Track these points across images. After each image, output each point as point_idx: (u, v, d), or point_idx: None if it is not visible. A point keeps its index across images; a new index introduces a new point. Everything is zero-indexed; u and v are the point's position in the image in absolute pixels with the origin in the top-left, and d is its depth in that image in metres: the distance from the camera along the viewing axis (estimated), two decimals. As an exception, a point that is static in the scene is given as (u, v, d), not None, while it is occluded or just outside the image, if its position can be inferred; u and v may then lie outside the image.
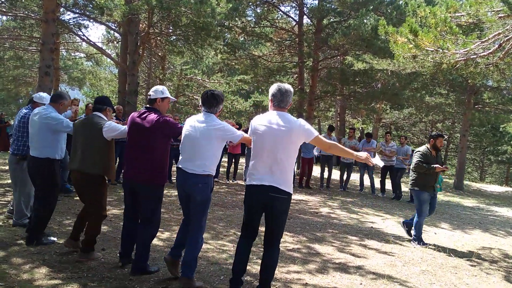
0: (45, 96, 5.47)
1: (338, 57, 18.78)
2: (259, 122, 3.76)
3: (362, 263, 5.45)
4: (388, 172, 12.29)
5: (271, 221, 3.72)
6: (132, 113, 4.29)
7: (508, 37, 5.97)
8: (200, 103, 4.10)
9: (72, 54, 25.25)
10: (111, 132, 4.32)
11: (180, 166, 3.97)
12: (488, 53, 6.28)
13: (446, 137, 34.88)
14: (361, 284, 4.64)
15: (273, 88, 3.83)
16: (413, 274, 5.21)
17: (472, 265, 5.92)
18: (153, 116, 4.05)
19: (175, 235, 4.30)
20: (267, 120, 3.72)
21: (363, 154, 3.85)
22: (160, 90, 4.25)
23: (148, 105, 4.24)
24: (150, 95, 4.26)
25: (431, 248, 6.66)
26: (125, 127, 4.34)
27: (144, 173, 4.03)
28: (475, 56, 6.47)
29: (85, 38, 13.91)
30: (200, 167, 3.86)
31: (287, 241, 6.18)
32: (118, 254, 4.41)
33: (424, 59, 7.00)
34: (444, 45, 6.28)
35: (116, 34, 19.92)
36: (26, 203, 5.53)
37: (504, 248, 7.27)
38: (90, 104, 9.38)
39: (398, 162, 12.07)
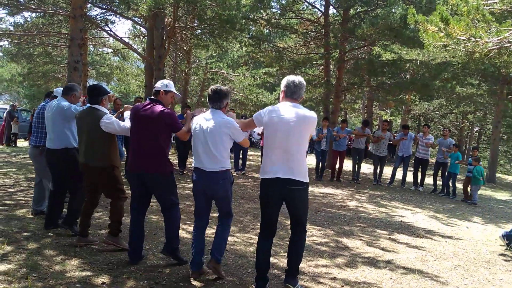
0: (60, 90, 5.61)
1: (366, 47, 18.45)
2: (271, 114, 3.70)
3: (392, 257, 5.34)
4: (421, 166, 11.97)
5: (294, 211, 3.77)
6: (135, 105, 4.35)
7: (545, 24, 5.71)
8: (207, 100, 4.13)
9: (100, 49, 25.62)
10: (112, 129, 4.42)
11: (197, 166, 3.97)
12: (523, 40, 6.03)
13: (477, 128, 33.96)
14: (391, 278, 4.54)
15: (286, 80, 3.80)
16: (444, 269, 5.07)
17: (506, 260, 5.74)
18: (158, 107, 4.10)
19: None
20: (280, 111, 3.67)
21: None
22: (165, 84, 4.30)
23: (152, 97, 4.28)
24: (155, 87, 4.32)
25: (463, 242, 6.49)
26: (125, 125, 4.42)
27: (155, 163, 4.08)
28: (509, 45, 6.22)
29: (112, 33, 14.10)
30: (217, 163, 3.87)
31: (315, 234, 6.12)
32: (127, 252, 4.41)
33: (456, 48, 6.78)
34: (477, 34, 6.06)
35: (142, 29, 20.10)
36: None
37: (540, 243, 7.01)
38: (118, 99, 9.50)
39: (441, 156, 11.61)
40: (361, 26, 13.20)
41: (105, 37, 22.06)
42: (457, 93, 18.07)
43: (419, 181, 12.06)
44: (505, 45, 6.49)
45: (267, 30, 17.21)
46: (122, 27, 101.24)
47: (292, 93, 3.74)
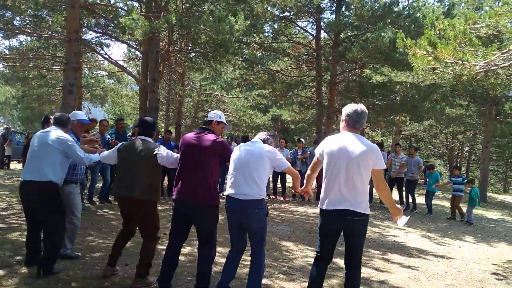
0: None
1: (356, 70, 18.77)
2: (333, 143, 3.67)
3: (386, 277, 5.40)
4: (396, 184, 12.16)
5: (351, 244, 3.67)
6: (186, 135, 4.30)
7: (528, 48, 5.92)
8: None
9: (94, 72, 25.77)
10: (166, 160, 4.29)
11: (230, 194, 3.93)
12: (509, 64, 6.23)
13: (467, 148, 34.30)
14: (384, 298, 4.59)
15: (348, 108, 3.74)
16: (437, 288, 5.13)
17: (498, 279, 5.81)
18: (210, 136, 4.10)
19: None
20: (342, 141, 3.63)
21: (399, 213, 3.78)
22: (218, 114, 4.34)
23: (204, 126, 4.29)
24: (207, 116, 4.34)
25: (456, 261, 6.56)
26: (177, 156, 4.35)
27: (203, 193, 3.99)
28: (495, 68, 6.43)
29: (107, 57, 14.21)
30: (254, 191, 3.84)
31: (309, 255, 6.17)
32: (156, 280, 4.29)
33: (444, 71, 6.97)
34: (464, 57, 6.26)
35: (137, 52, 20.30)
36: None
37: (531, 261, 7.10)
38: (104, 120, 9.52)
39: (410, 174, 11.95)
40: (352, 49, 13.50)
41: (100, 60, 22.25)
42: (446, 114, 18.38)
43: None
44: (492, 68, 6.69)
45: (260, 53, 17.50)
46: (117, 50, 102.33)
47: (354, 122, 3.69)
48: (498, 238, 9.07)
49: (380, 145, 12.79)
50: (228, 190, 3.97)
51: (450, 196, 11.66)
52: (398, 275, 5.54)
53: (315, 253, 3.90)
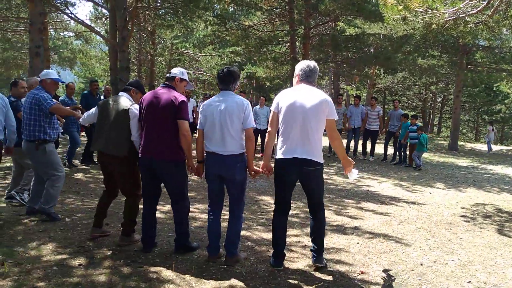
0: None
1: (330, 23, 18.62)
2: (288, 96, 3.77)
3: (359, 224, 5.61)
4: (370, 137, 12.42)
5: (310, 191, 3.85)
6: (147, 93, 4.19)
7: (496, -6, 5.97)
8: (217, 82, 4.09)
9: (61, 33, 24.88)
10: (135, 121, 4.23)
11: (212, 150, 3.88)
12: (477, 11, 6.29)
13: (440, 99, 34.97)
14: (358, 243, 4.80)
15: (301, 64, 3.90)
16: (408, 231, 5.38)
17: (466, 221, 6.10)
18: (171, 93, 4.01)
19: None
20: (297, 93, 3.75)
21: (350, 165, 3.99)
22: (181, 71, 4.27)
23: (166, 82, 4.21)
24: (170, 72, 4.26)
25: (426, 207, 6.84)
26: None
27: (167, 150, 3.98)
28: (464, 15, 6.48)
29: (73, 16, 13.67)
30: (234, 146, 3.83)
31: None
32: (140, 241, 4.33)
33: (414, 20, 7.00)
34: (433, 5, 6.28)
35: (104, 11, 19.64)
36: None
37: (497, 203, 7.46)
38: (71, 83, 9.31)
39: (393, 127, 12.17)
40: (324, 1, 13.32)
41: (66, 20, 21.46)
42: (419, 65, 18.56)
43: (368, 151, 12.53)
44: (460, 16, 6.74)
45: (232, 8, 17.12)
46: (83, 9, 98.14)
47: (307, 76, 3.84)
48: (468, 183, 9.45)
49: (358, 97, 12.94)
50: (209, 147, 3.91)
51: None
52: (371, 221, 5.76)
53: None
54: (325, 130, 3.81)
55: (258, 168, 4.01)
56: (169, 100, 3.95)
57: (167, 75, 4.31)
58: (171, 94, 4.00)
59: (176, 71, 4.26)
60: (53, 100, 5.19)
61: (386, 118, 13.48)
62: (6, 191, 6.04)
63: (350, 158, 3.98)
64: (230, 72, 3.94)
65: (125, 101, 4.30)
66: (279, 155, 3.76)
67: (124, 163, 4.26)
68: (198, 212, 5.74)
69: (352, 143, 12.50)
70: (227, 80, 3.93)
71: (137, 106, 4.26)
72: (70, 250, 4.16)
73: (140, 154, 4.11)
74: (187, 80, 4.35)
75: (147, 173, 4.14)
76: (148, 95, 4.12)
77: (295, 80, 3.96)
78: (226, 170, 3.86)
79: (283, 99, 3.80)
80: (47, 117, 5.09)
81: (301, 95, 3.72)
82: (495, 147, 21.11)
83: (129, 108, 4.20)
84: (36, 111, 5.02)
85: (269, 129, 3.93)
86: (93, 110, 4.58)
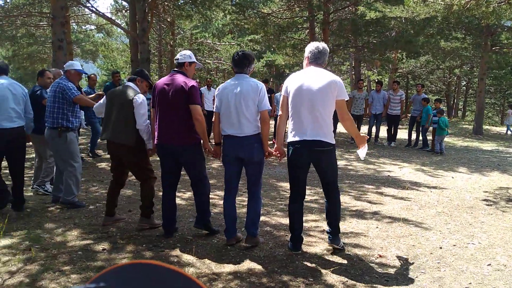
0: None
1: (350, 7, 18.34)
2: (296, 79, 3.79)
3: (379, 209, 5.61)
4: (393, 123, 12.20)
5: (323, 173, 3.88)
6: (159, 81, 4.28)
7: (519, -28, 5.80)
8: (232, 65, 4.13)
9: (83, 27, 25.24)
10: (138, 108, 4.32)
11: (229, 133, 3.95)
12: (499, -10, 6.13)
13: (465, 82, 34.12)
14: (377, 227, 4.81)
15: (310, 46, 3.91)
16: (428, 216, 5.35)
17: (488, 205, 6.03)
18: (182, 79, 4.08)
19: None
20: (305, 76, 3.77)
21: (363, 142, 3.99)
22: (188, 55, 4.31)
23: (176, 69, 4.28)
24: (177, 58, 4.31)
25: (448, 191, 6.77)
26: (146, 122, 4.39)
27: (182, 135, 4.07)
28: (486, -5, 6.33)
29: (94, 9, 13.89)
30: (250, 128, 3.88)
31: (305, 193, 6.37)
32: (161, 226, 4.44)
33: (434, 2, 6.87)
34: (453, -14, 6.15)
35: (124, 3, 19.81)
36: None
37: (521, 187, 7.32)
38: (93, 75, 9.56)
39: (415, 111, 11.94)
40: (343, -14, 13.11)
41: (87, 14, 21.73)
42: (442, 48, 18.11)
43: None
44: (482, -4, 6.59)
45: (250, -4, 17.02)
46: (104, 2, 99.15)
47: (316, 58, 3.85)
48: (491, 167, 9.28)
49: (379, 83, 12.77)
50: (225, 130, 3.97)
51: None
52: (391, 206, 5.75)
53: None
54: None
55: (271, 150, 4.06)
56: (179, 86, 4.02)
57: (175, 61, 4.35)
58: (181, 80, 4.07)
59: (181, 56, 4.29)
60: (77, 91, 5.37)
61: (408, 102, 13.25)
62: (32, 181, 6.26)
63: (363, 134, 4.00)
64: (245, 55, 3.99)
65: (130, 90, 4.42)
66: (290, 138, 3.81)
67: (132, 150, 4.40)
68: (218, 199, 5.83)
69: (374, 129, 12.37)
70: (242, 63, 3.98)
71: (141, 95, 4.39)
72: (94, 236, 4.31)
73: (156, 141, 4.20)
74: (195, 61, 4.39)
75: (164, 159, 4.26)
76: (159, 82, 4.21)
77: (304, 62, 3.97)
78: (245, 152, 3.91)
79: (291, 82, 3.83)
80: (70, 105, 5.25)
81: (309, 78, 3.73)
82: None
83: (133, 98, 4.31)
84: (60, 99, 5.19)
85: (279, 112, 3.98)
86: (103, 99, 4.71)
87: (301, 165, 3.86)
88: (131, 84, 4.54)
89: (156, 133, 4.19)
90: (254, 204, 4.06)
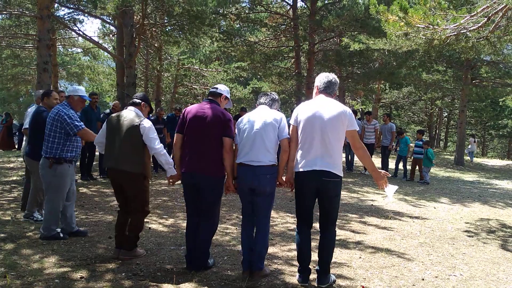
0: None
1: (334, 39, 18.76)
2: (307, 108, 3.78)
3: (362, 238, 5.60)
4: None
5: (326, 205, 3.80)
6: (191, 107, 4.16)
7: (496, 10, 6.00)
8: (259, 98, 4.21)
9: (69, 49, 25.27)
10: (147, 133, 4.22)
11: (242, 161, 3.90)
12: (477, 27, 6.32)
13: (446, 114, 34.88)
14: (360, 258, 4.79)
15: (321, 76, 3.93)
16: (411, 246, 5.36)
17: (469, 236, 6.08)
18: (218, 109, 4.04)
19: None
20: (316, 105, 3.75)
21: (381, 178, 3.87)
22: (227, 90, 4.30)
23: (211, 97, 4.20)
24: (217, 88, 4.24)
25: (430, 221, 6.81)
26: (160, 145, 4.28)
27: (211, 165, 3.98)
28: (465, 31, 6.52)
29: (81, 33, 13.96)
30: (266, 158, 3.84)
31: (289, 221, 6.34)
32: (184, 258, 4.24)
33: (416, 36, 7.05)
34: (434, 21, 6.33)
35: (112, 27, 19.92)
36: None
37: (502, 218, 7.42)
38: (95, 95, 9.55)
39: (385, 141, 12.30)
40: (328, 17, 13.47)
41: (74, 37, 21.79)
42: (424, 80, 18.61)
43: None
44: (462, 31, 6.79)
45: (238, 25, 17.33)
46: (91, 26, 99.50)
47: (326, 87, 3.86)
48: (473, 198, 9.40)
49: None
50: (240, 158, 3.93)
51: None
52: (374, 236, 5.75)
53: (296, 221, 4.01)
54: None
55: (283, 179, 4.02)
56: (218, 116, 3.98)
57: (212, 90, 4.28)
58: (218, 109, 4.05)
59: (222, 88, 4.26)
60: (80, 121, 5.01)
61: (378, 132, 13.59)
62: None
63: (382, 171, 3.89)
64: (272, 99, 4.16)
65: (134, 116, 4.31)
66: (299, 168, 3.75)
67: (136, 179, 4.28)
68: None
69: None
70: (268, 103, 4.12)
71: (147, 121, 4.28)
72: (73, 263, 4.19)
73: (183, 169, 4.07)
74: (229, 98, 4.38)
75: (190, 188, 4.11)
76: (193, 108, 4.10)
77: (314, 91, 3.98)
78: (257, 182, 3.85)
79: (301, 112, 3.81)
80: (68, 135, 4.91)
81: (320, 107, 3.71)
82: (502, 162, 20.98)
83: (139, 124, 4.22)
84: (57, 128, 4.85)
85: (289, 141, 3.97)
86: (102, 129, 4.52)
87: (309, 195, 3.81)
88: (133, 108, 4.42)
89: (183, 161, 4.08)
90: (262, 238, 3.98)
